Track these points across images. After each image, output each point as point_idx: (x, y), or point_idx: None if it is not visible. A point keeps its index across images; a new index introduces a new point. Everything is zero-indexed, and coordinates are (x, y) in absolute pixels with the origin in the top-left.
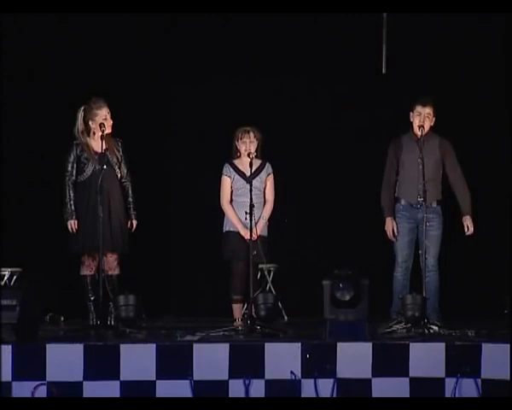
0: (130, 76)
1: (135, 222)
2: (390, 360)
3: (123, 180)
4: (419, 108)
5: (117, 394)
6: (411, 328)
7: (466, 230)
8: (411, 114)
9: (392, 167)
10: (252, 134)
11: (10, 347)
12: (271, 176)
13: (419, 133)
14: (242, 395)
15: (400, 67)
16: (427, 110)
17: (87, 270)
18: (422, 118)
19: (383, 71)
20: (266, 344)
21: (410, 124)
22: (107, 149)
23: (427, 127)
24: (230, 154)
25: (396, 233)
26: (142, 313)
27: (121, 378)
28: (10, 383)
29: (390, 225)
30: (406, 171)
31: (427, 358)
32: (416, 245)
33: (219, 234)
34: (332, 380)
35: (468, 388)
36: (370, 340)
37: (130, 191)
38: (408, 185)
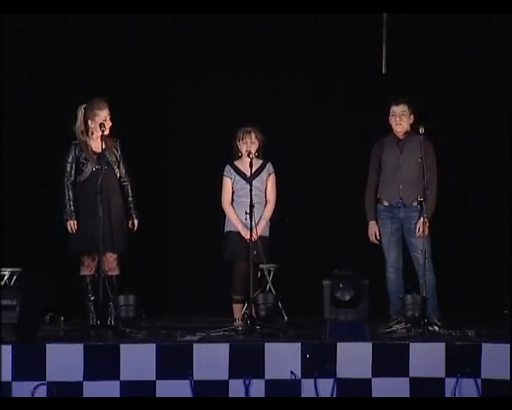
0: (130, 76)
1: (136, 221)
2: (390, 360)
3: (122, 180)
4: (393, 108)
5: (117, 394)
6: (411, 328)
7: (417, 231)
8: (389, 117)
9: (374, 169)
10: (253, 135)
11: (10, 347)
12: (272, 176)
13: (398, 133)
14: (242, 395)
15: (400, 67)
16: (402, 108)
17: (87, 270)
18: (398, 117)
19: (383, 71)
20: (266, 344)
21: (390, 127)
22: (105, 149)
23: (405, 125)
24: (231, 154)
25: (378, 237)
26: (142, 313)
27: (121, 378)
28: (10, 383)
29: (373, 229)
30: (387, 172)
31: (427, 358)
32: (407, 245)
33: (219, 234)
34: (332, 380)
35: (468, 388)
36: (370, 340)
37: (129, 191)
38: (388, 186)
